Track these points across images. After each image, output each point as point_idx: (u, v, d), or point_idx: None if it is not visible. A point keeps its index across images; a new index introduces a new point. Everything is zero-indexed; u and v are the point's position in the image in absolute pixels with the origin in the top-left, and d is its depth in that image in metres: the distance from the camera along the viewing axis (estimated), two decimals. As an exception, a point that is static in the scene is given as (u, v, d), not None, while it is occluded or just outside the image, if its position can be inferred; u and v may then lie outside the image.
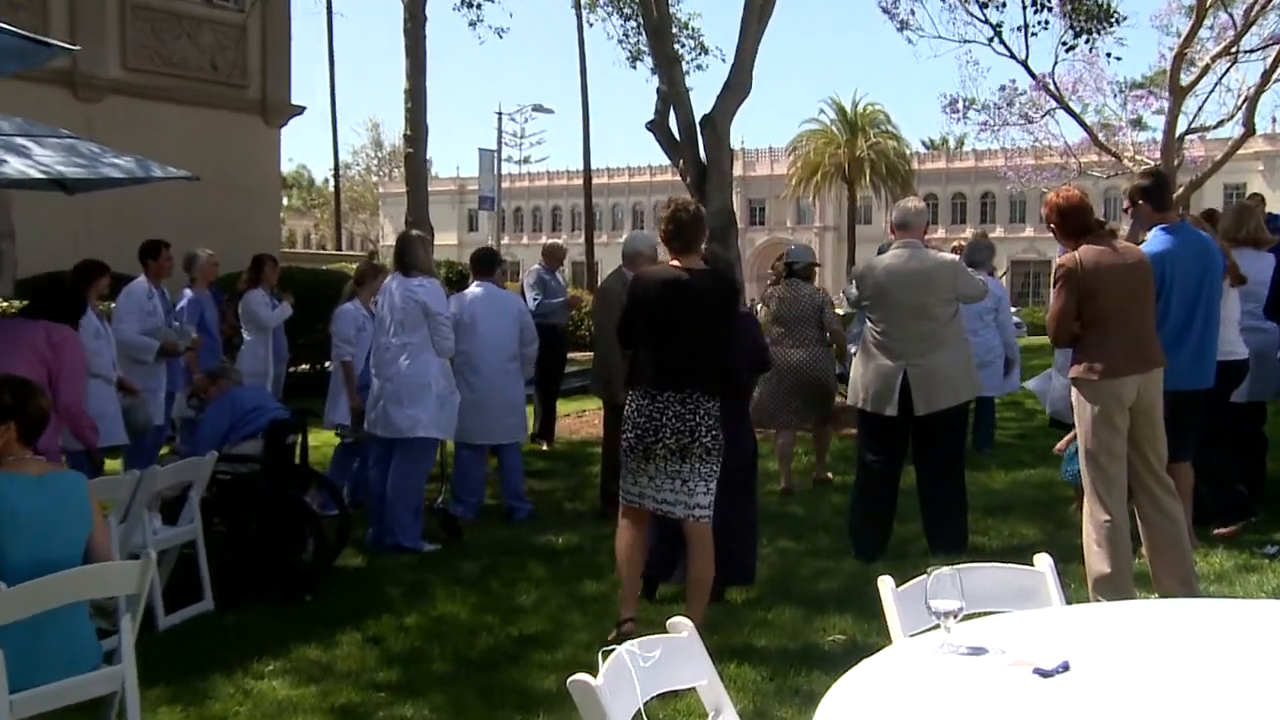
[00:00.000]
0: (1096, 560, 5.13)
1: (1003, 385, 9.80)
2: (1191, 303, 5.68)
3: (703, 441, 4.90)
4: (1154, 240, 5.64)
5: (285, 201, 69.54)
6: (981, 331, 9.51)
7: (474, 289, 7.91)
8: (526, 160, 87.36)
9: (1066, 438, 6.71)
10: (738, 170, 57.72)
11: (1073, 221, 5.25)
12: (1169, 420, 5.29)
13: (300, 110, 18.50)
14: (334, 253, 42.72)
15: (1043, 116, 24.93)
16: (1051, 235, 5.50)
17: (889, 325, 6.40)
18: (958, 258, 6.85)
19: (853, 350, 7.84)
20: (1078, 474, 6.74)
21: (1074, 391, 5.27)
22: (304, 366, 15.90)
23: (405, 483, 6.95)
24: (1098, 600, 4.99)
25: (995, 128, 25.55)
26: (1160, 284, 5.43)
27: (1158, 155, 22.86)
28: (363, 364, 7.68)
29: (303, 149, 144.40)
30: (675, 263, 5.05)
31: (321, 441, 10.62)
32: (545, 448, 10.62)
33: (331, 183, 59.06)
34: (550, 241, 11.94)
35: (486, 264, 8.05)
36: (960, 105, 25.17)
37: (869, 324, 6.56)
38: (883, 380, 6.37)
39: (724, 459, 5.03)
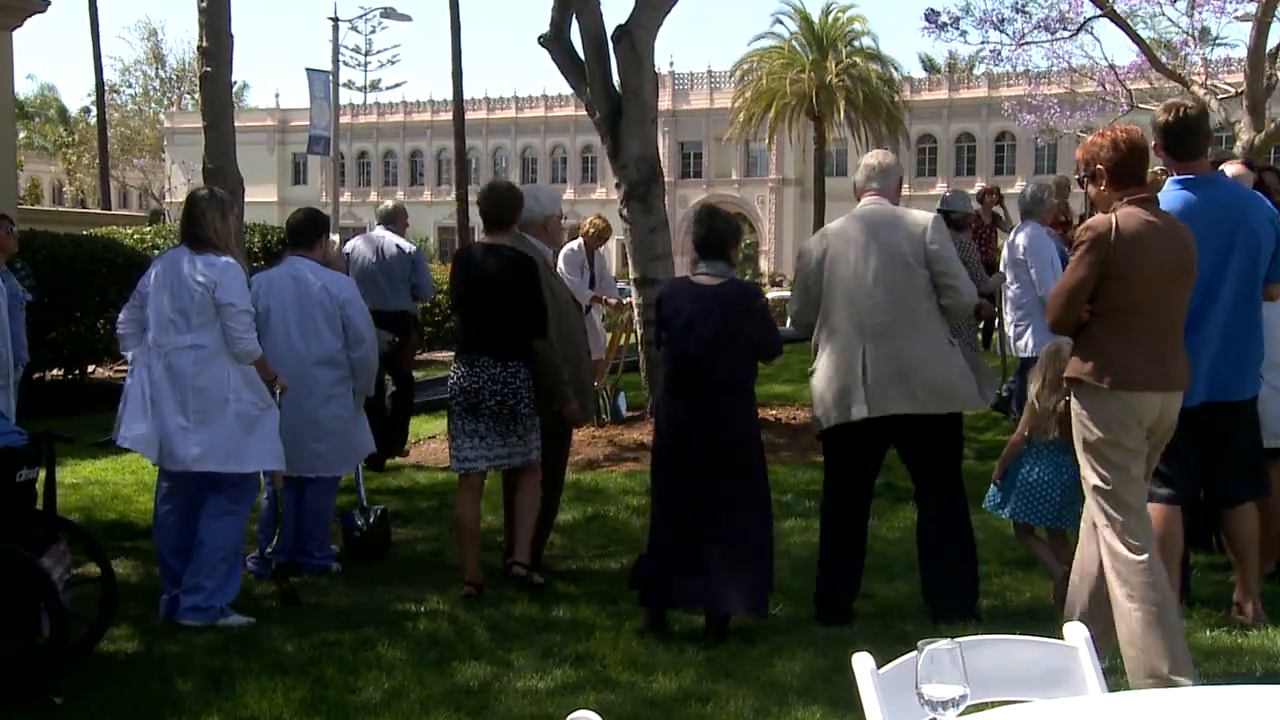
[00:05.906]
0: (1133, 626, 5.21)
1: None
2: (1208, 282, 5.72)
3: (522, 411, 7.13)
4: (1164, 196, 5.75)
5: (22, 136, 67.98)
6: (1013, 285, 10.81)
7: (278, 267, 7.98)
8: (375, 86, 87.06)
9: (1004, 455, 6.88)
10: (664, 102, 57.88)
11: (1130, 170, 5.30)
12: (1215, 442, 5.45)
13: (43, 6, 18.09)
14: (99, 212, 42.01)
15: (1078, 31, 24.52)
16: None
17: (841, 296, 6.45)
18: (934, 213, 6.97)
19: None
20: (997, 502, 6.90)
21: (1074, 402, 5.37)
22: (55, 373, 15.61)
23: (215, 527, 6.96)
24: (1143, 683, 5.09)
25: (1004, 49, 24.69)
26: None
27: (1241, 79, 22.60)
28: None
29: (48, 63, 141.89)
30: (486, 239, 7.45)
31: (82, 477, 10.45)
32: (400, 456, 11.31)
33: (94, 113, 57.90)
34: (389, 202, 12.01)
35: (305, 232, 8.04)
36: (946, 17, 23.80)
37: (822, 319, 6.59)
38: (838, 374, 6.45)
39: (744, 467, 6.39)
